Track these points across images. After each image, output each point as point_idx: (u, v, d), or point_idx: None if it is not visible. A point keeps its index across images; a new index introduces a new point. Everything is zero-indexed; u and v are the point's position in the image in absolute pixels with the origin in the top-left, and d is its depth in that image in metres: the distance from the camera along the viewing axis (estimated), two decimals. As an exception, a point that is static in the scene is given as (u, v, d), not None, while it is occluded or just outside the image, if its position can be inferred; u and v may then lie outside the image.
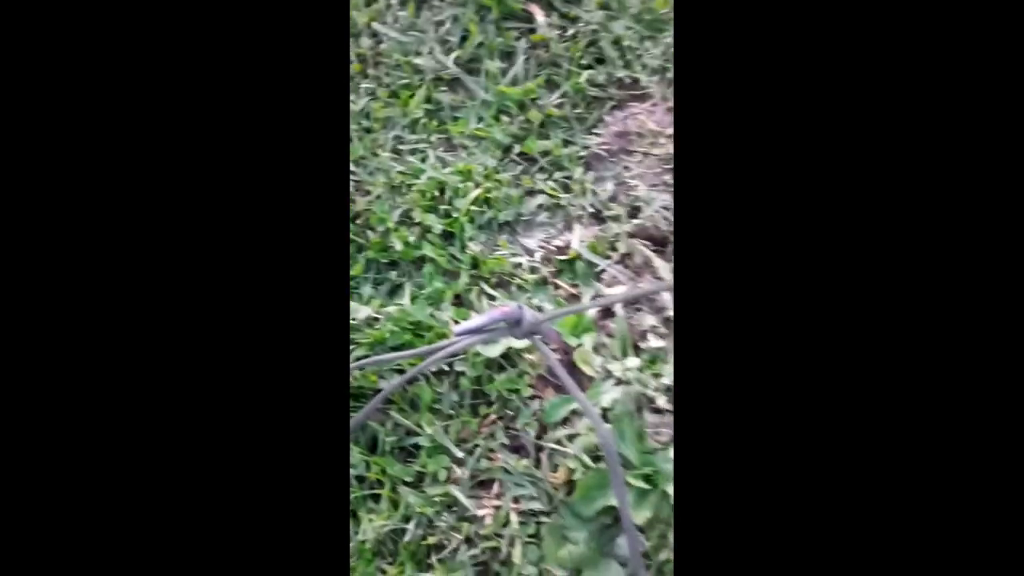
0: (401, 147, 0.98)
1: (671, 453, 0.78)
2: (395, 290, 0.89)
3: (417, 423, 0.80)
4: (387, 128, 0.99)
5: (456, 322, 0.84)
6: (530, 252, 0.90)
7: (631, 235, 0.90)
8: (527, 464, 0.79)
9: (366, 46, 1.05)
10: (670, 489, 0.77)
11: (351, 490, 0.77)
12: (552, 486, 0.78)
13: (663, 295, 0.83)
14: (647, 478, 0.78)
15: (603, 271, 0.88)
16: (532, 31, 1.03)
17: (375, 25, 1.07)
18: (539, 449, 0.80)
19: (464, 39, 1.04)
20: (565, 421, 0.81)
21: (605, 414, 0.81)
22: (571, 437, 0.80)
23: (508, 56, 1.04)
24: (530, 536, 0.75)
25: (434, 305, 0.88)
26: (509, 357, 0.85)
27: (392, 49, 1.05)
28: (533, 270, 0.89)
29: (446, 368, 0.84)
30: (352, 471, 0.78)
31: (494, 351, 0.84)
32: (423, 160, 0.96)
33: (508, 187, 0.93)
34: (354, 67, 1.03)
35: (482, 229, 0.92)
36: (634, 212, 0.91)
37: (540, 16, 1.02)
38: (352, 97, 1.01)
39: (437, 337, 0.85)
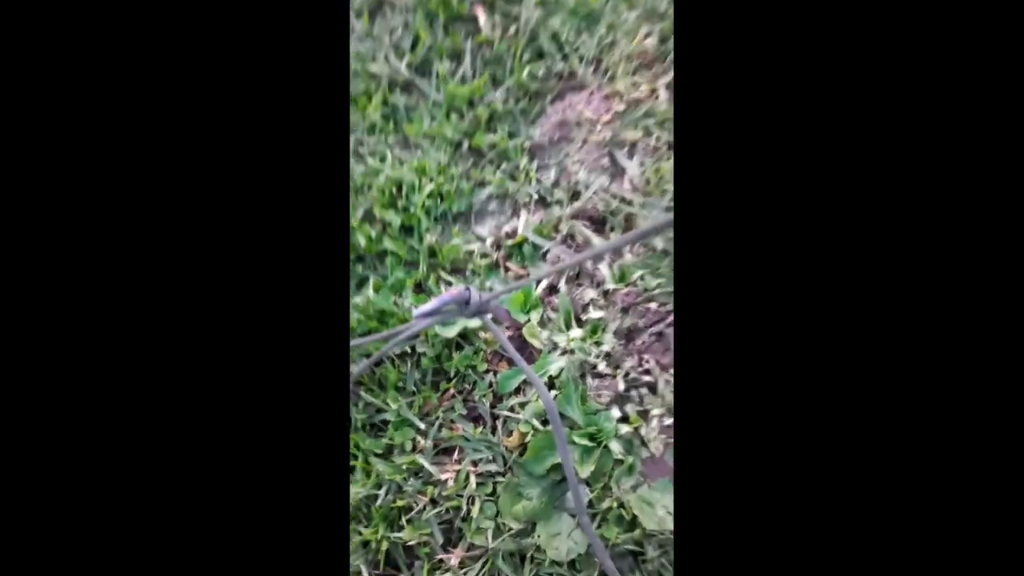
0: (362, 150, 1.00)
1: (613, 412, 0.81)
2: (362, 282, 0.92)
3: (384, 401, 0.84)
4: (353, 132, 1.01)
5: (415, 307, 0.87)
6: (482, 239, 0.93)
7: (573, 217, 0.92)
8: (483, 432, 0.82)
9: (326, 57, 1.07)
10: (613, 445, 0.80)
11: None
12: (506, 449, 0.81)
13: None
14: (591, 436, 0.81)
15: (547, 251, 0.90)
16: (478, 32, 1.04)
17: (333, 37, 1.08)
18: (494, 417, 0.83)
19: (415, 44, 1.05)
20: (517, 390, 0.84)
21: (552, 382, 0.84)
22: (523, 405, 0.83)
23: (457, 57, 1.05)
24: (488, 495, 0.78)
25: (396, 293, 0.91)
26: (466, 336, 0.88)
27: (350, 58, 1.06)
28: (485, 255, 0.92)
29: (408, 350, 0.87)
30: (331, 446, 0.82)
31: (451, 332, 0.87)
32: (382, 160, 0.98)
33: (460, 180, 0.95)
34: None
35: (437, 221, 0.94)
36: (575, 196, 0.93)
37: (483, 17, 1.03)
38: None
39: (399, 322, 0.88)
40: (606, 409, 0.81)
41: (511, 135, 0.98)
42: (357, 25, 1.09)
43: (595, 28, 1.01)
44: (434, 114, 1.00)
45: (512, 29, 1.03)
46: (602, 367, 0.83)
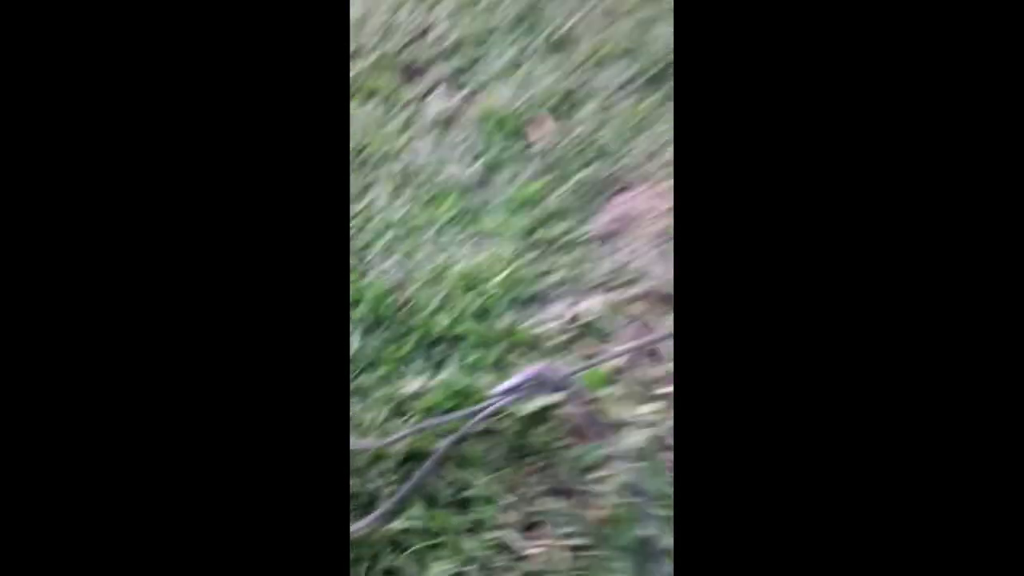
0: (438, 243, 1.04)
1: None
2: (440, 363, 0.93)
3: (469, 477, 0.82)
4: (425, 229, 1.06)
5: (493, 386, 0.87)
6: (553, 320, 0.94)
7: (636, 299, 0.93)
8: (569, 505, 0.79)
9: (398, 168, 1.14)
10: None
11: (416, 542, 0.78)
12: (592, 522, 0.78)
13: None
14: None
15: (613, 331, 0.91)
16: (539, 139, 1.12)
17: (412, 144, 1.16)
18: (578, 492, 0.81)
19: (480, 153, 1.13)
20: (598, 465, 0.82)
21: (631, 454, 0.82)
22: (604, 478, 0.81)
23: (524, 158, 1.12)
24: (577, 569, 0.74)
25: (474, 373, 0.91)
26: (542, 413, 0.87)
27: (424, 166, 1.13)
28: (556, 337, 0.93)
29: (490, 429, 0.86)
30: (416, 523, 0.79)
31: (529, 407, 0.86)
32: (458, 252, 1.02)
33: (530, 267, 0.98)
34: (392, 183, 1.12)
35: (512, 304, 0.96)
36: (635, 280, 0.95)
37: (548, 124, 1.11)
38: (391, 204, 1.09)
39: (479, 401, 0.88)
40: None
41: (576, 226, 1.02)
42: (429, 136, 1.17)
43: (644, 132, 1.08)
44: (502, 211, 1.05)
45: (574, 133, 1.10)
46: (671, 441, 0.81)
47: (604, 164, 1.07)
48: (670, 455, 0.81)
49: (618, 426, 0.84)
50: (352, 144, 1.14)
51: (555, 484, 0.82)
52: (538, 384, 0.81)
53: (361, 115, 1.19)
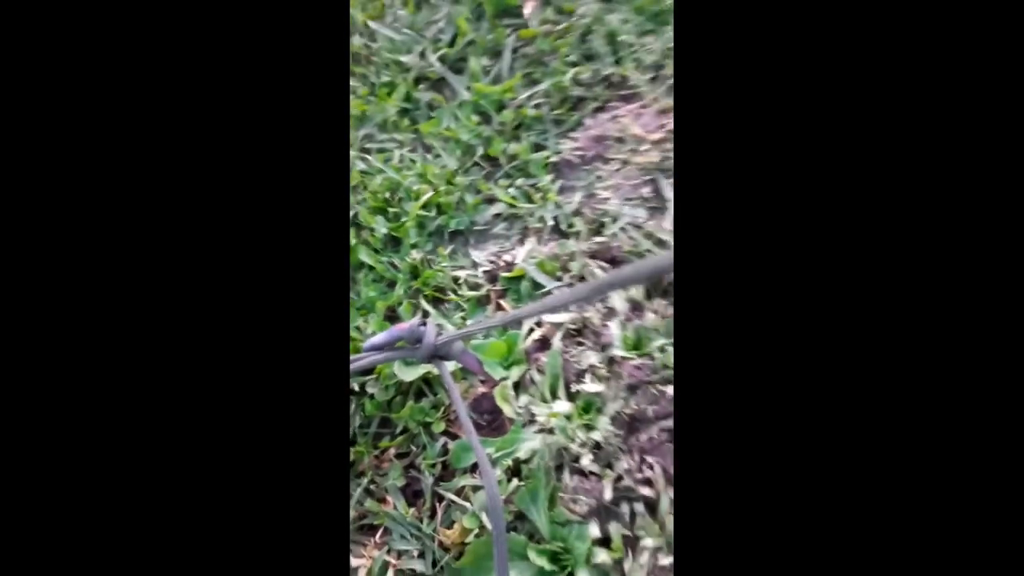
0: (369, 145, 0.79)
1: (591, 529, 0.53)
2: (333, 295, 0.70)
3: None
4: (360, 126, 0.81)
5: (369, 337, 0.64)
6: (475, 265, 0.68)
7: (590, 255, 0.65)
8: (418, 514, 0.57)
9: (359, 44, 0.87)
10: (581, 575, 0.52)
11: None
12: (441, 545, 0.55)
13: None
14: (553, 556, 0.53)
15: (548, 293, 0.64)
16: (524, 27, 0.81)
17: (372, 23, 0.88)
18: (437, 498, 0.58)
19: (454, 39, 0.83)
20: (474, 468, 0.58)
21: (517, 467, 0.57)
22: (476, 489, 0.57)
23: (498, 55, 0.81)
24: (398, 606, 0.53)
25: (364, 316, 0.68)
26: (429, 383, 0.63)
27: (383, 47, 0.86)
28: (475, 286, 0.67)
29: (355, 388, 0.63)
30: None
31: (411, 374, 0.62)
32: (386, 160, 0.76)
33: (465, 192, 0.71)
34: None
35: (430, 237, 0.71)
36: (598, 228, 0.66)
37: (528, 8, 0.79)
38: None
39: (352, 351, 0.65)
40: (582, 522, 0.53)
41: (537, 147, 0.72)
42: (401, 14, 0.88)
43: (663, 29, 0.74)
44: (457, 115, 0.77)
45: (562, 25, 0.78)
46: (587, 462, 0.55)
47: (593, 68, 0.75)
48: (571, 480, 0.55)
49: (512, 423, 0.59)
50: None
51: (408, 482, 0.59)
52: (413, 346, 0.57)
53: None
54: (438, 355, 0.56)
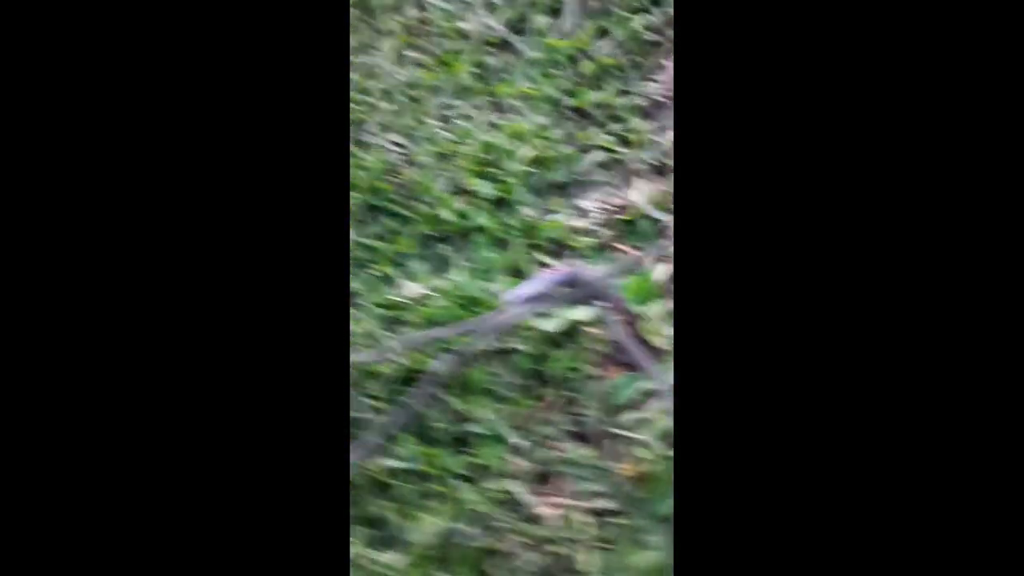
0: (448, 114, 0.78)
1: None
2: (445, 263, 0.70)
3: (470, 408, 0.61)
4: (435, 96, 0.79)
5: (508, 292, 0.64)
6: (587, 213, 0.68)
7: (703, 187, 0.66)
8: (593, 454, 0.58)
9: (412, 16, 0.85)
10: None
11: (405, 486, 0.59)
12: (623, 480, 0.57)
13: None
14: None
15: (669, 228, 0.65)
16: (582, -21, 0.80)
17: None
18: (606, 436, 0.59)
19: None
20: (635, 403, 0.59)
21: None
22: (642, 422, 0.59)
23: (557, 12, 0.81)
24: (600, 540, 0.54)
25: (486, 277, 0.68)
26: (568, 331, 0.64)
27: (437, 17, 0.84)
28: (591, 233, 0.67)
29: (503, 348, 0.64)
30: (407, 463, 0.60)
31: (551, 324, 0.63)
32: (470, 122, 0.76)
33: (561, 144, 0.71)
34: (399, 38, 0.84)
35: (536, 193, 0.71)
36: (705, 161, 0.67)
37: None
38: (398, 68, 0.82)
39: (489, 311, 0.65)
40: (757, 432, 0.55)
41: (621, 92, 0.73)
42: (445, -19, 0.87)
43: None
44: (530, 73, 0.77)
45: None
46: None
47: (662, 11, 0.75)
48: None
49: (666, 354, 0.60)
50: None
51: (580, 426, 0.60)
52: (566, 291, 0.57)
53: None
54: (593, 297, 0.57)
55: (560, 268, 0.56)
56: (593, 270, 0.55)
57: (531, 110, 0.74)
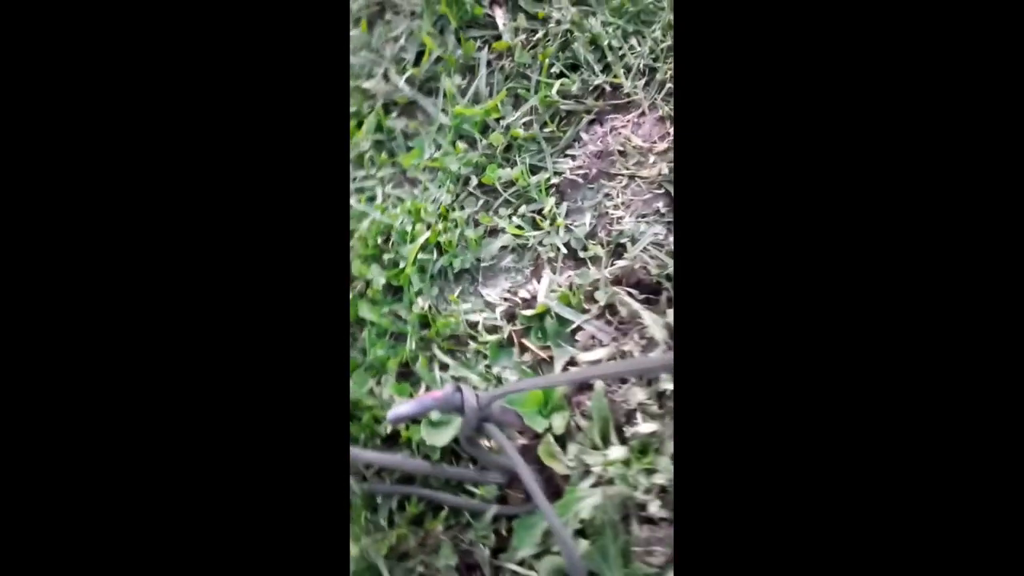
0: (349, 186, 0.72)
1: (670, 580, 0.49)
2: (334, 359, 0.63)
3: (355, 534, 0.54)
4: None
5: (394, 406, 0.57)
6: (490, 306, 0.63)
7: (614, 281, 0.61)
8: (480, 596, 0.52)
9: (313, 72, 0.79)
10: (669, 633, 0.49)
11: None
12: (512, 627, 0.51)
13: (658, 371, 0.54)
14: (637, 618, 0.50)
15: (579, 329, 0.59)
16: (497, 38, 0.75)
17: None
18: (496, 572, 0.53)
19: (419, 56, 0.77)
20: (529, 539, 0.53)
21: (582, 527, 0.53)
22: (539, 556, 0.53)
23: (471, 71, 0.76)
24: None
25: (376, 377, 0.61)
26: (453, 448, 0.58)
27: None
28: (494, 329, 0.62)
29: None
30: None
31: (442, 438, 0.57)
32: (370, 200, 0.69)
33: (465, 227, 0.65)
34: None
35: (434, 280, 0.65)
36: (618, 251, 0.62)
37: (501, 19, 0.74)
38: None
39: (374, 420, 0.59)
40: (660, 574, 0.50)
41: (534, 169, 0.67)
42: (353, 34, 0.81)
43: (647, 31, 0.70)
44: (439, 141, 0.71)
45: (539, 34, 0.73)
46: (655, 508, 0.52)
47: (580, 78, 0.70)
48: (640, 530, 0.51)
49: (566, 479, 0.55)
50: None
51: (464, 556, 0.54)
52: (445, 411, 0.51)
53: None
54: (485, 420, 0.51)
55: (445, 388, 0.50)
56: (482, 394, 0.49)
57: (434, 185, 0.68)
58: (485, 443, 0.54)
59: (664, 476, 0.52)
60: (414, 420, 0.54)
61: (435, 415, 0.54)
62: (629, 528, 0.51)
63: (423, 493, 0.55)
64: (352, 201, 0.68)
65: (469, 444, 0.52)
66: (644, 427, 0.53)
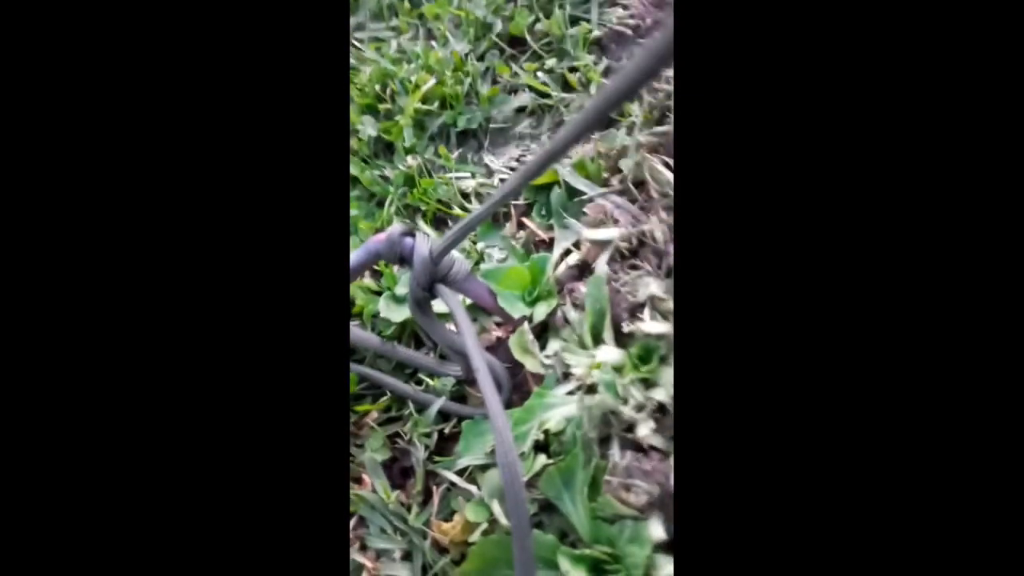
0: (360, 35, 0.63)
1: (651, 528, 0.36)
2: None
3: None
4: (352, 15, 0.65)
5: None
6: (491, 173, 0.51)
7: (649, 149, 0.47)
8: (404, 501, 0.41)
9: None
10: (636, 594, 0.36)
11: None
12: (436, 544, 0.40)
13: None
14: (595, 565, 0.37)
15: (590, 200, 0.46)
16: None
17: None
18: (430, 478, 0.42)
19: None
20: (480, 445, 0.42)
21: (547, 440, 0.41)
22: (485, 468, 0.41)
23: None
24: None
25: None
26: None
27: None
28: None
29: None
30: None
31: (401, 313, 0.47)
32: (378, 50, 0.60)
33: (479, 81, 0.54)
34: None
35: (432, 139, 0.54)
36: (660, 117, 0.48)
37: None
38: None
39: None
40: (639, 518, 0.37)
41: (573, 20, 0.55)
42: None
43: None
44: (471, -8, 0.60)
45: None
46: (646, 431, 0.38)
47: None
48: (621, 457, 0.38)
49: (540, 381, 0.42)
50: None
51: (395, 457, 0.43)
52: (390, 259, 0.41)
53: None
54: (437, 279, 0.40)
55: (394, 227, 0.40)
56: (438, 243, 0.38)
57: (456, 37, 0.58)
58: (444, 315, 0.43)
59: (665, 392, 0.38)
60: (361, 272, 0.44)
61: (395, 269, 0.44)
62: (607, 452, 0.38)
63: (364, 371, 0.45)
64: (362, 48, 0.60)
65: (419, 311, 0.41)
66: (650, 326, 0.40)
